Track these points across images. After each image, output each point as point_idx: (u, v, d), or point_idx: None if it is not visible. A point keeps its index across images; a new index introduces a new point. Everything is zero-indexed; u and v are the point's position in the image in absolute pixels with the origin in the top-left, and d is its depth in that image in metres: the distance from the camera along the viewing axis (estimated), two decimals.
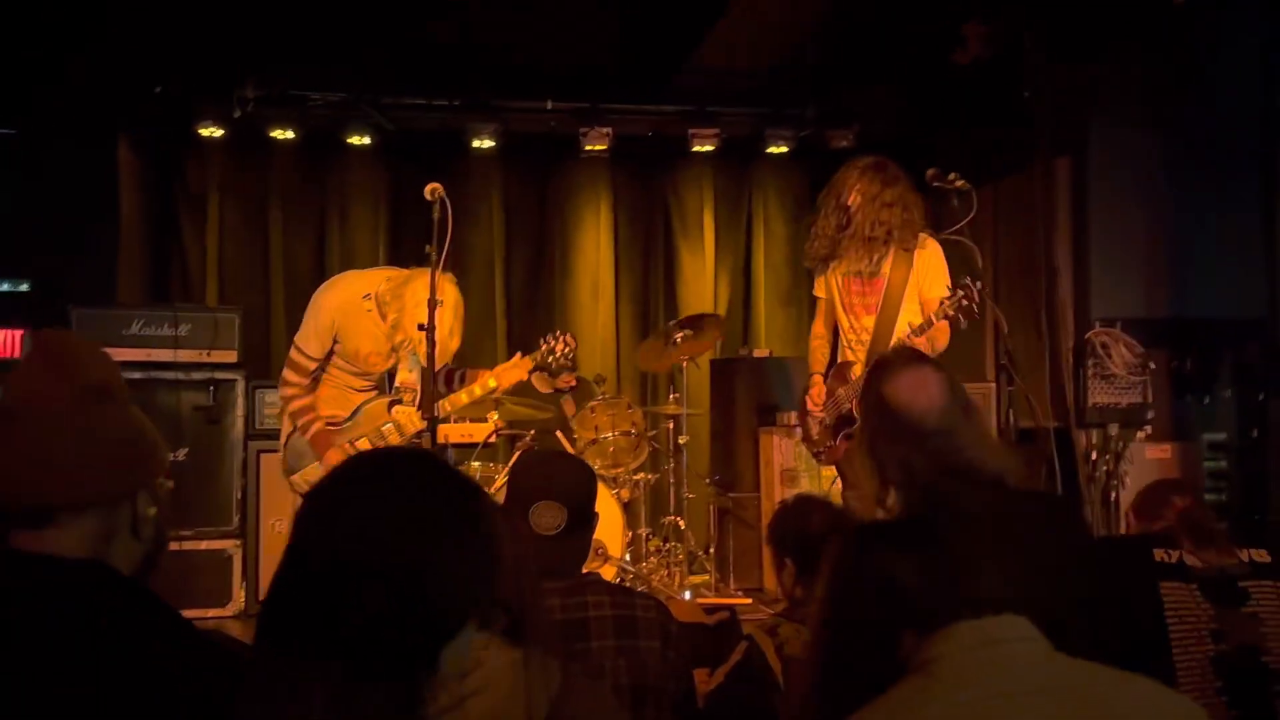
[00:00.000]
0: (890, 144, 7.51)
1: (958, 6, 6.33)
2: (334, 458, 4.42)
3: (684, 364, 6.50)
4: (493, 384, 4.74)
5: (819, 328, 4.97)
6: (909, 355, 2.38)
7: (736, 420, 7.06)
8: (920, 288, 4.60)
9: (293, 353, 4.57)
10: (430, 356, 4.23)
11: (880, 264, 4.65)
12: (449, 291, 4.49)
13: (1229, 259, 6.36)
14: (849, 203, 4.67)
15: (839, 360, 4.83)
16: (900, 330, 4.53)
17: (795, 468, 6.53)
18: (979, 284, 4.17)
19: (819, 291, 4.94)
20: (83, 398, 1.47)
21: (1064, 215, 6.33)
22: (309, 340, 4.53)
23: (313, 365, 4.55)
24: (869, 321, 4.67)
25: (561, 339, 4.79)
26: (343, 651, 1.21)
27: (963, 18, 6.36)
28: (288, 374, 4.57)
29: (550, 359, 4.79)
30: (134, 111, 7.01)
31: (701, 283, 8.43)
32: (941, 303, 4.25)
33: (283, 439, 4.67)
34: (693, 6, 6.56)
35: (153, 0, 6.23)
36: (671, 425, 6.57)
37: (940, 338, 4.51)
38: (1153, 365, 5.91)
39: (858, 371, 4.58)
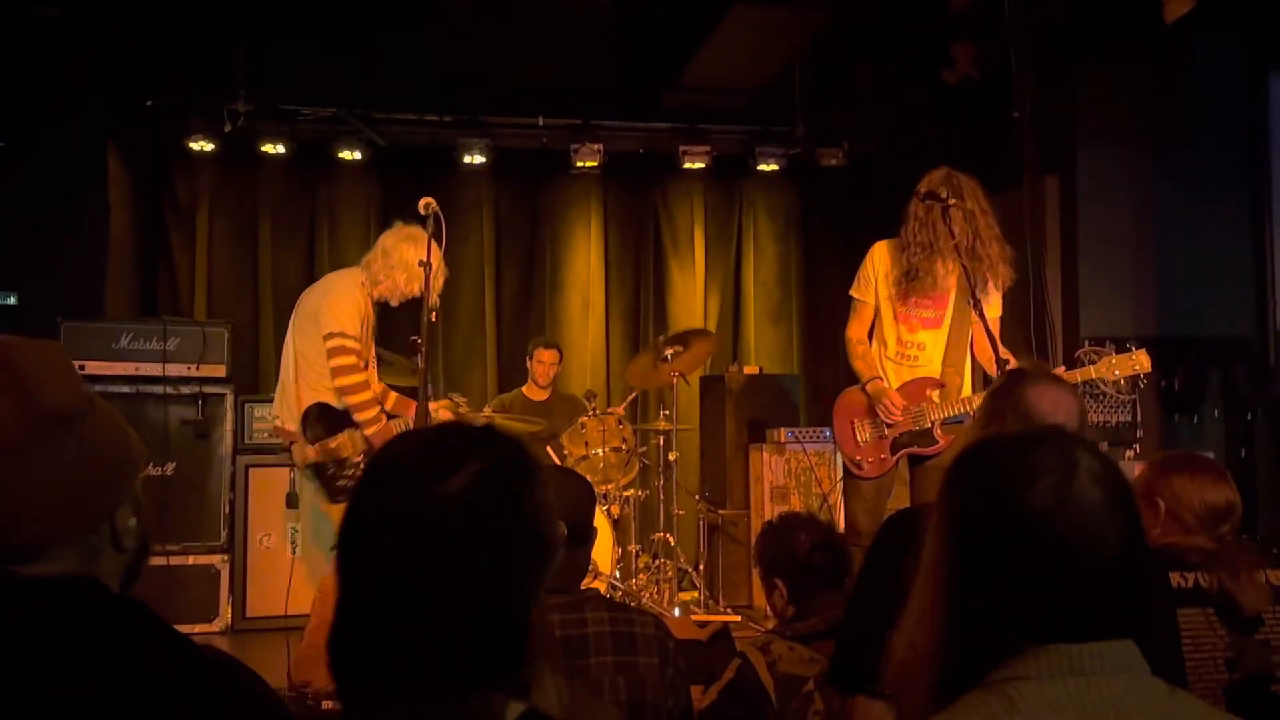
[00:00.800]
0: (879, 163, 7.60)
1: (947, 27, 6.37)
2: (388, 430, 4.44)
3: (674, 380, 6.50)
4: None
5: (860, 333, 4.57)
6: (1051, 374, 2.35)
7: (726, 437, 7.06)
8: (969, 297, 4.23)
9: (340, 341, 4.39)
10: (423, 372, 4.24)
11: (948, 281, 4.40)
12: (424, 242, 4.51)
13: (1216, 278, 6.40)
14: (954, 222, 4.27)
15: (900, 376, 4.47)
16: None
17: (785, 484, 6.53)
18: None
19: (863, 295, 4.56)
20: (44, 430, 1.37)
21: (1053, 233, 6.36)
22: (354, 322, 4.44)
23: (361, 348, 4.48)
24: (925, 337, 4.44)
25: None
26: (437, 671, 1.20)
27: (952, 38, 6.40)
28: (355, 361, 4.42)
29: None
30: (124, 124, 7.00)
31: (691, 299, 8.45)
32: (1111, 362, 4.10)
33: (296, 413, 4.50)
34: (684, 26, 6.59)
35: (144, 14, 6.23)
36: (661, 441, 6.57)
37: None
38: (1142, 384, 5.93)
39: (938, 395, 4.36)
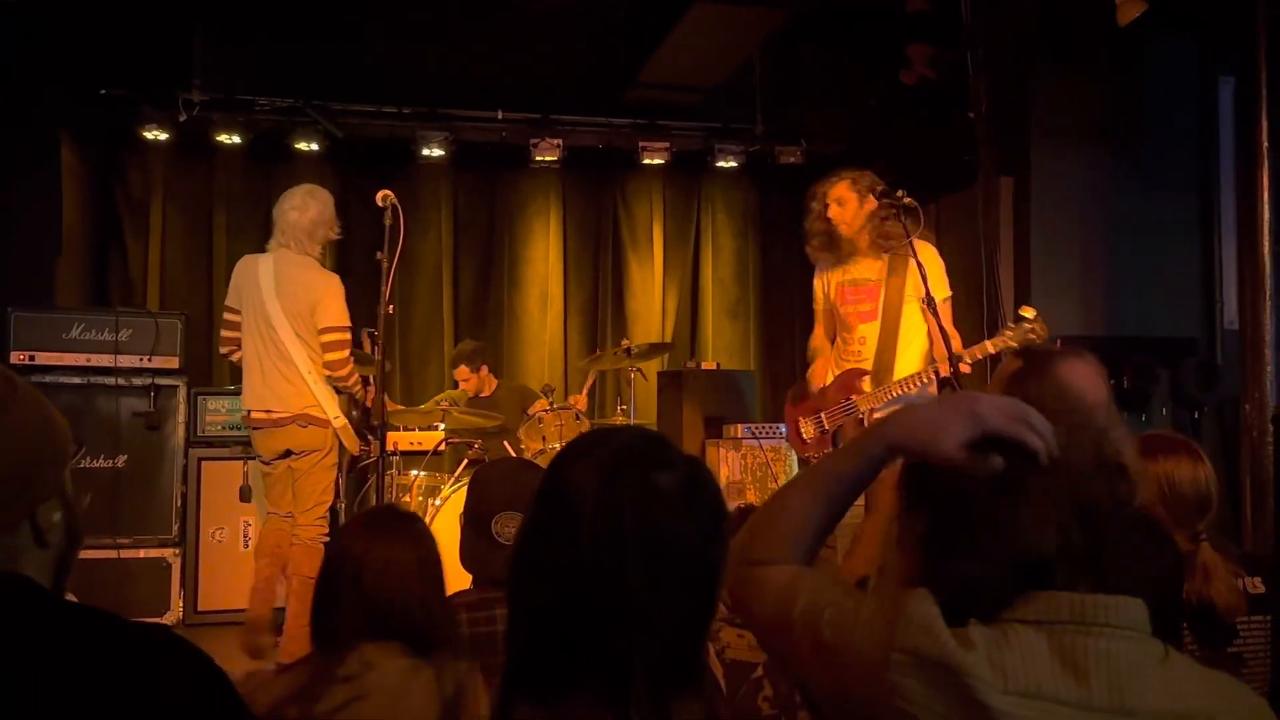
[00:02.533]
0: (838, 161, 7.63)
1: (904, 28, 6.42)
2: None
3: (632, 375, 6.52)
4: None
5: (817, 340, 4.81)
6: (1076, 349, 2.24)
7: (683, 432, 7.08)
8: (916, 291, 4.39)
9: (340, 335, 4.72)
10: (380, 365, 4.24)
11: (870, 271, 4.56)
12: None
13: (1166, 278, 6.52)
14: (831, 215, 4.56)
15: (843, 367, 4.63)
16: (911, 351, 4.48)
17: (742, 480, 6.56)
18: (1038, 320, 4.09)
19: (815, 304, 4.81)
20: None
21: (1006, 233, 6.44)
22: (345, 314, 4.75)
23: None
24: (864, 330, 4.57)
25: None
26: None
27: (909, 38, 6.45)
28: (346, 352, 4.74)
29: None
30: (78, 113, 6.91)
31: (650, 295, 8.46)
32: (1002, 332, 4.15)
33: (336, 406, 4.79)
34: (644, 22, 6.60)
35: (99, 1, 6.16)
36: None
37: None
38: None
39: (868, 384, 4.47)
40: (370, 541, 2.06)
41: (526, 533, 1.29)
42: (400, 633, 1.99)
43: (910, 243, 4.28)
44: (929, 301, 4.15)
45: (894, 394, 4.40)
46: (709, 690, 1.29)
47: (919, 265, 4.24)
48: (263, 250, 4.86)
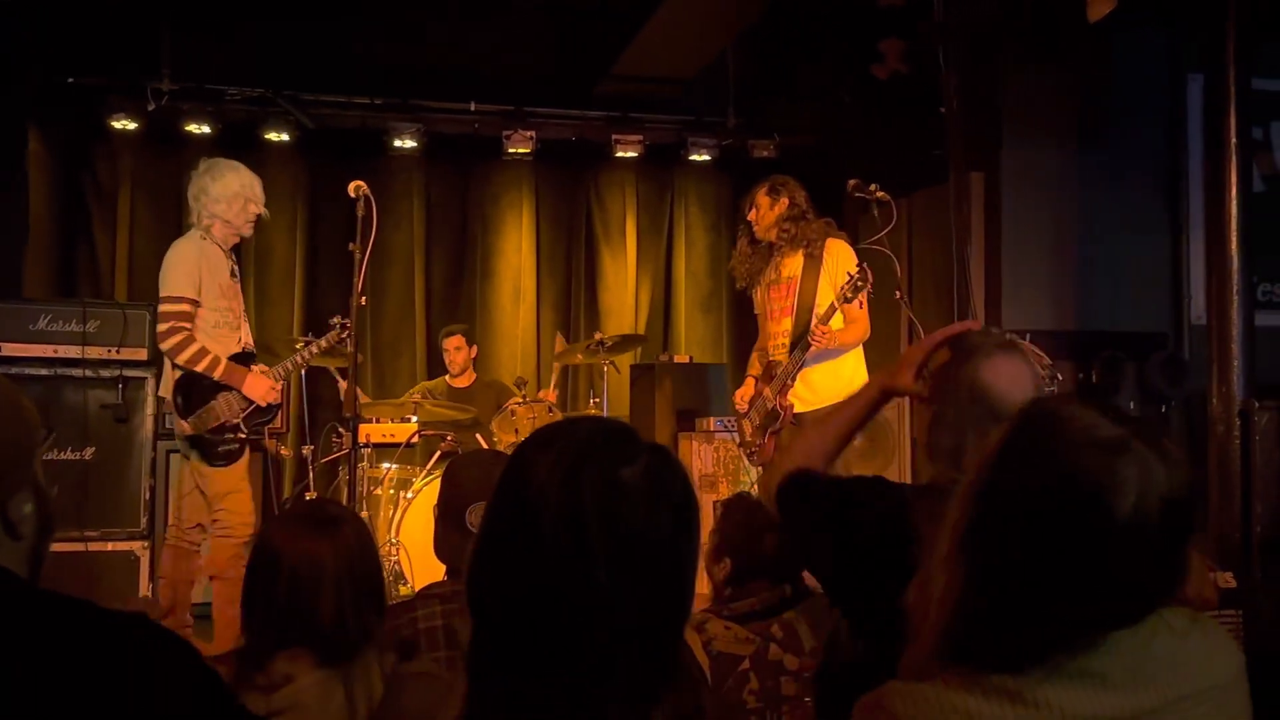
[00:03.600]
0: (810, 155, 7.67)
1: (876, 23, 6.44)
2: (256, 380, 4.63)
3: (605, 368, 6.52)
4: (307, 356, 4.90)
5: (760, 340, 5.26)
6: (1002, 341, 2.17)
7: (656, 425, 7.08)
8: (834, 285, 4.79)
9: (164, 307, 4.59)
10: (354, 356, 4.22)
11: (789, 269, 4.96)
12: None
13: (1135, 273, 6.58)
14: (750, 218, 5.05)
15: (764, 364, 5.10)
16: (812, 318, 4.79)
17: (714, 473, 6.57)
18: (869, 270, 4.50)
19: (756, 308, 5.25)
20: None
21: (977, 229, 6.47)
22: (185, 282, 4.58)
23: (194, 310, 4.59)
24: (787, 324, 4.94)
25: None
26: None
27: (881, 34, 6.48)
28: (173, 325, 4.56)
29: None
30: (45, 103, 6.83)
31: (622, 288, 8.46)
32: (841, 289, 4.53)
33: (170, 388, 4.65)
34: (618, 15, 6.60)
35: None
36: None
37: (851, 332, 4.79)
38: (1060, 377, 6.07)
39: (779, 371, 4.86)
40: (286, 539, 2.01)
41: (488, 529, 1.26)
42: (309, 639, 1.91)
43: (883, 238, 4.42)
44: (842, 300, 4.56)
45: (786, 370, 4.81)
46: (695, 682, 1.28)
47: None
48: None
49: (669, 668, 1.24)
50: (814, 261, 4.87)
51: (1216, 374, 5.08)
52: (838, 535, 1.99)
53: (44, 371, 5.60)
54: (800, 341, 4.75)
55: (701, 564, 2.42)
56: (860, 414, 2.16)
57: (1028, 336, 6.18)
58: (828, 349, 4.74)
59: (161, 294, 4.62)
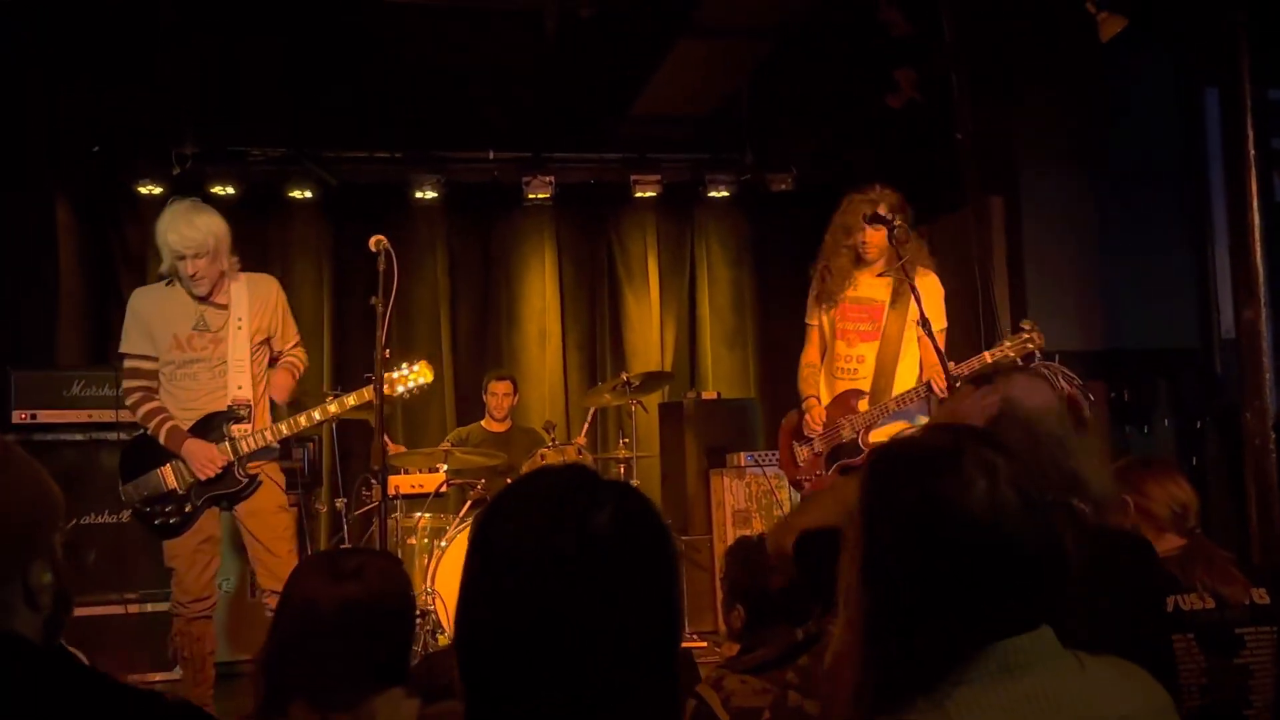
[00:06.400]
0: (828, 186, 7.68)
1: (889, 52, 6.47)
2: (195, 448, 4.31)
3: (632, 408, 6.53)
4: (334, 409, 4.55)
5: (812, 356, 4.80)
6: (1027, 367, 2.25)
7: (686, 463, 7.08)
8: (919, 318, 4.40)
9: (123, 365, 4.44)
10: (379, 409, 4.23)
11: (872, 290, 4.63)
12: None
13: (1162, 290, 6.52)
14: (863, 239, 4.58)
15: (836, 389, 4.67)
16: (905, 363, 4.54)
17: (747, 508, 6.55)
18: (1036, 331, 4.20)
19: (812, 320, 4.80)
20: None
21: (999, 253, 6.46)
22: (133, 337, 4.41)
23: (148, 365, 4.40)
24: (864, 349, 4.61)
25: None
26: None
27: (894, 63, 6.50)
28: (127, 383, 4.42)
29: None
30: (72, 171, 6.96)
31: (647, 327, 8.48)
32: (1000, 344, 4.25)
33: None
34: (631, 59, 6.66)
35: (89, 60, 6.21)
36: (622, 469, 6.58)
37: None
38: (1091, 397, 6.02)
39: (865, 405, 4.52)
40: (297, 587, 2.05)
41: (465, 597, 1.25)
42: (312, 688, 1.93)
43: (903, 265, 4.33)
44: (924, 323, 4.17)
45: (890, 410, 4.45)
46: None
47: (914, 290, 4.28)
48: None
49: (669, 699, 1.24)
50: (904, 288, 4.45)
51: (1248, 388, 5.03)
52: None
53: (79, 437, 5.67)
54: (910, 389, 4.43)
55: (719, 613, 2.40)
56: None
57: (1056, 358, 6.15)
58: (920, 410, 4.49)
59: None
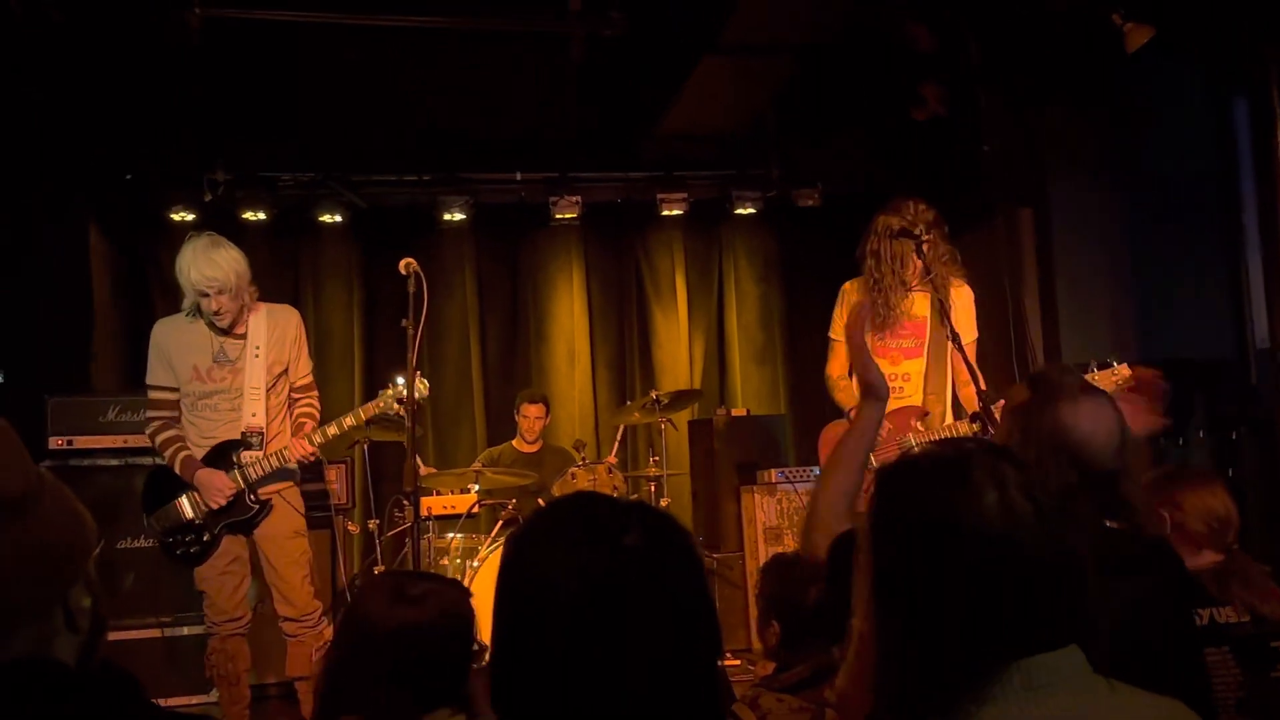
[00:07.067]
0: (854, 201, 7.68)
1: (914, 67, 6.46)
2: (206, 477, 4.40)
3: (662, 426, 6.53)
4: (351, 421, 4.59)
5: (840, 369, 4.72)
6: (1083, 382, 2.15)
7: (717, 480, 7.06)
8: (949, 332, 4.35)
9: (148, 394, 4.54)
10: (411, 430, 4.25)
11: (913, 305, 4.56)
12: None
13: (1194, 299, 6.46)
14: (926, 249, 4.44)
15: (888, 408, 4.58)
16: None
17: (779, 525, 6.53)
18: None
19: (838, 335, 4.74)
20: None
21: (1030, 265, 6.43)
22: (155, 369, 4.50)
23: (169, 396, 4.50)
24: (909, 367, 4.54)
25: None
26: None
27: (920, 77, 6.50)
28: (149, 413, 4.54)
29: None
30: (105, 199, 7.04)
31: (676, 345, 8.48)
32: (1094, 378, 4.07)
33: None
34: (656, 77, 6.68)
35: (120, 88, 6.29)
36: (653, 488, 6.58)
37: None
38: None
39: (923, 423, 4.43)
40: (354, 608, 2.10)
41: (501, 635, 1.24)
42: (363, 706, 1.97)
43: (934, 279, 4.32)
44: (954, 337, 4.14)
45: (957, 433, 4.36)
46: None
47: (944, 303, 4.26)
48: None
49: (711, 716, 1.23)
50: (942, 307, 4.39)
51: None
52: None
53: (115, 462, 5.72)
54: (967, 412, 4.36)
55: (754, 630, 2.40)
56: (866, 433, 2.34)
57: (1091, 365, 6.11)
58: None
59: None
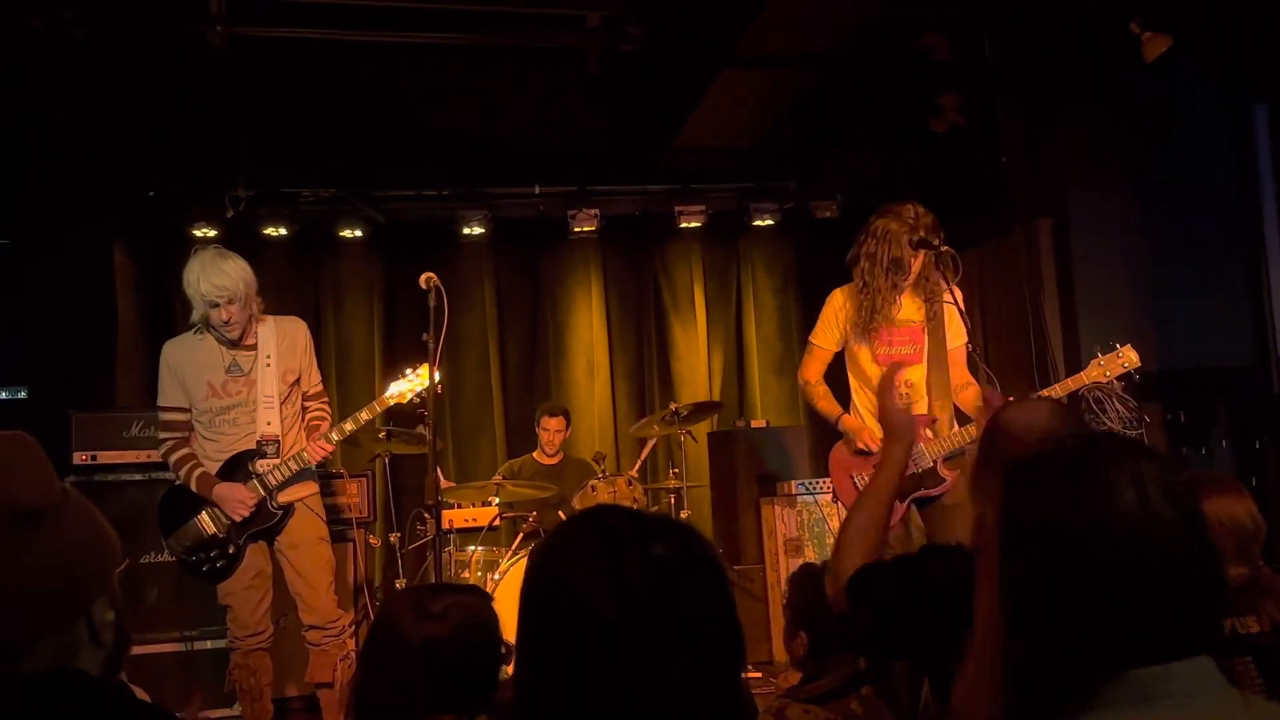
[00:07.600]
0: (872, 212, 7.66)
1: (932, 77, 6.47)
2: (225, 491, 4.41)
3: (682, 438, 6.53)
4: (366, 415, 4.59)
5: (815, 375, 4.71)
6: (1034, 397, 2.23)
7: (737, 492, 7.06)
8: (956, 337, 4.45)
9: (159, 415, 4.56)
10: (433, 443, 4.26)
11: (907, 311, 4.54)
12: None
13: (1215, 309, 6.43)
14: (914, 264, 4.45)
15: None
16: (958, 382, 4.47)
17: (799, 536, 6.52)
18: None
19: (822, 341, 4.69)
20: (13, 527, 1.36)
21: (1049, 274, 6.41)
22: (167, 390, 4.53)
23: (181, 417, 4.52)
24: (911, 374, 4.51)
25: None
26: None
27: (937, 89, 6.50)
28: (162, 434, 4.56)
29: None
30: (128, 216, 7.11)
31: (695, 357, 8.49)
32: (1095, 362, 4.20)
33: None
34: (674, 90, 6.71)
35: (142, 105, 6.35)
36: (673, 500, 6.57)
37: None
38: (1147, 419, 5.94)
39: (932, 431, 4.41)
40: (381, 618, 2.17)
41: (530, 646, 1.22)
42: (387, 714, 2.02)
43: (952, 290, 4.30)
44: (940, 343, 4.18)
45: (956, 443, 4.36)
46: None
47: (961, 312, 4.25)
48: (314, 334, 4.87)
49: (738, 717, 1.23)
50: (934, 312, 4.44)
51: None
52: (915, 598, 2.01)
53: (138, 477, 5.76)
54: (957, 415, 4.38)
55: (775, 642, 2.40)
56: (892, 481, 2.37)
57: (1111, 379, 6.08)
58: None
59: None
